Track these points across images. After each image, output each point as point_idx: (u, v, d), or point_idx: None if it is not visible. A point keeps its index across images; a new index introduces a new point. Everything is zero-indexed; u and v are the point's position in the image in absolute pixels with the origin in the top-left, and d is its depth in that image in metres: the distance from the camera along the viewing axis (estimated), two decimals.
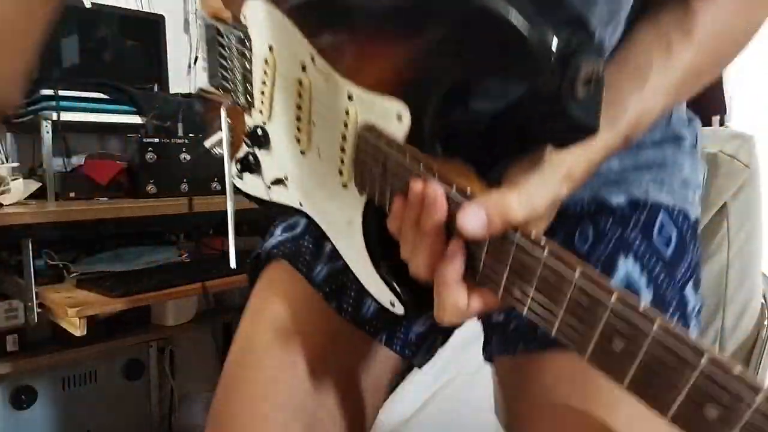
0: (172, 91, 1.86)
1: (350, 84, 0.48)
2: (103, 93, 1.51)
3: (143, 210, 1.23)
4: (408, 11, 0.45)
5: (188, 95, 1.81)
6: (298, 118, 0.54)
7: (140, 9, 1.92)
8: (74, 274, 1.27)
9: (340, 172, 0.50)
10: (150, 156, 1.41)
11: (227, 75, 0.64)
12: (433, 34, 0.43)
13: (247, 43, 0.59)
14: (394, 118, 0.44)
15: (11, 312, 1.39)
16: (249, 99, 0.60)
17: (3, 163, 1.40)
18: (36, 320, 1.13)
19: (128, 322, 1.60)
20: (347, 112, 0.48)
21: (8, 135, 1.60)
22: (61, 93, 1.41)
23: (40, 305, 1.12)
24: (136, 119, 1.55)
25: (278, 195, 0.61)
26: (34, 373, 1.50)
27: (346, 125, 0.48)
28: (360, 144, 0.47)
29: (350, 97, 0.48)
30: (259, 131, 0.59)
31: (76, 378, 1.61)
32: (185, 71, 2.13)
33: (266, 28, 0.56)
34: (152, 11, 1.94)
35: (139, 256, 1.38)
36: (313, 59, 0.52)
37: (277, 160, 0.59)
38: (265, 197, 0.63)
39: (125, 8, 1.82)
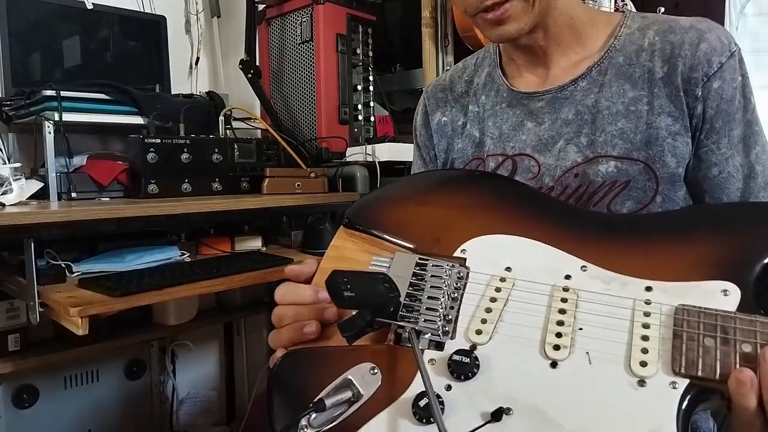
0: (173, 91, 1.87)
1: (644, 279, 0.52)
2: (104, 93, 1.52)
3: (145, 210, 1.23)
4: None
5: (189, 96, 1.82)
6: (559, 324, 0.52)
7: (141, 10, 1.93)
8: (76, 273, 1.28)
9: (631, 371, 0.47)
10: (151, 156, 1.42)
11: (412, 306, 0.56)
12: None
13: (463, 273, 0.58)
14: (718, 294, 0.49)
15: (13, 311, 1.40)
16: (446, 328, 0.55)
17: (5, 163, 1.41)
18: (38, 320, 1.13)
19: (130, 322, 1.61)
20: (647, 303, 0.51)
21: (10, 135, 1.61)
22: (63, 94, 1.42)
23: (42, 305, 1.12)
24: (138, 120, 1.56)
25: None
26: (36, 372, 1.51)
27: (647, 315, 0.50)
28: (678, 326, 0.48)
29: (648, 289, 0.52)
30: (464, 358, 0.51)
31: (78, 377, 1.61)
32: (186, 72, 2.14)
33: (500, 254, 0.58)
34: (153, 12, 1.94)
35: (140, 256, 1.38)
36: (583, 268, 0.55)
37: (493, 388, 0.50)
38: None
39: (126, 9, 1.83)
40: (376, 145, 1.65)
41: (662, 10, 1.43)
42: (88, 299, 1.08)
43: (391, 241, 0.63)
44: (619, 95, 0.71)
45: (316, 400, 0.51)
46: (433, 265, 0.59)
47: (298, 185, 1.57)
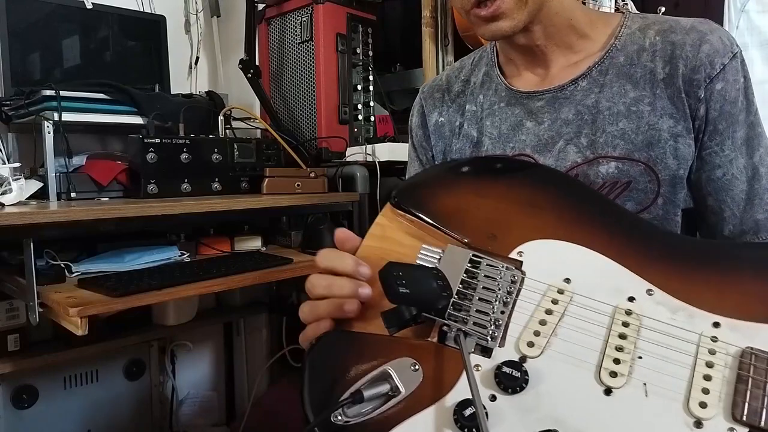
0: (173, 91, 1.87)
1: (712, 314, 0.49)
2: (104, 93, 1.52)
3: (144, 210, 1.23)
4: None
5: (189, 95, 1.81)
6: (619, 350, 0.49)
7: (141, 10, 1.92)
8: (75, 273, 1.28)
9: (689, 410, 0.45)
10: (151, 156, 1.41)
11: (461, 305, 0.54)
12: None
13: (518, 278, 0.55)
14: None
15: (13, 312, 1.40)
16: (495, 333, 0.52)
17: (4, 163, 1.40)
18: (37, 320, 1.13)
19: (129, 322, 1.61)
20: (714, 339, 0.48)
21: (10, 135, 1.61)
22: (63, 93, 1.41)
23: (41, 305, 1.12)
24: (137, 119, 1.55)
25: None
26: (36, 372, 1.51)
27: (712, 353, 0.48)
28: (744, 370, 0.46)
29: (716, 325, 0.49)
30: (514, 372, 0.49)
31: (78, 377, 1.61)
32: (186, 71, 2.13)
33: (559, 263, 0.55)
34: (153, 12, 1.94)
35: (140, 256, 1.38)
36: (649, 292, 0.52)
37: (540, 406, 0.48)
38: None
39: (126, 9, 1.83)
40: (376, 145, 1.65)
41: (662, 10, 1.43)
42: (88, 299, 1.08)
43: (444, 231, 0.59)
44: (621, 95, 0.70)
45: (353, 391, 0.49)
46: (487, 265, 0.55)
47: (298, 185, 1.57)
